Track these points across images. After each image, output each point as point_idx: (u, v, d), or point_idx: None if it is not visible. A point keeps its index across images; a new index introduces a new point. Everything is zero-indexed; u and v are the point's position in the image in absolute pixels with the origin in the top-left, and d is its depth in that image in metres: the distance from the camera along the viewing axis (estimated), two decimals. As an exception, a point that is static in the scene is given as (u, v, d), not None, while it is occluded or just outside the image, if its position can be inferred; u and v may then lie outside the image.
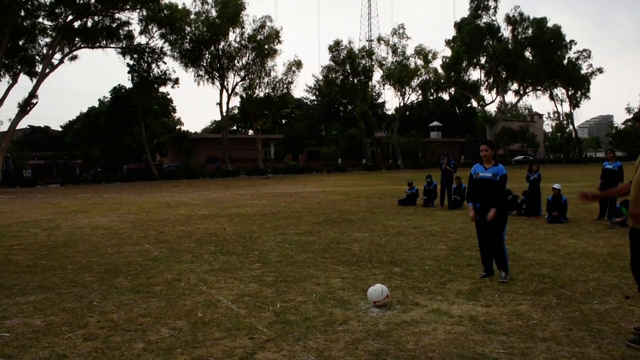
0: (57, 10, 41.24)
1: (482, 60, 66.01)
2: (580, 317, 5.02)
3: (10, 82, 41.41)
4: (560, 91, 74.40)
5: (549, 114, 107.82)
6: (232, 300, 5.88)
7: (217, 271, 7.47)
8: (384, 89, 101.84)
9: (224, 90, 52.98)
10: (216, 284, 6.66)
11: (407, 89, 64.21)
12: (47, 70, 42.24)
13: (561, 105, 79.71)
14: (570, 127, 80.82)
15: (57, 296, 6.25)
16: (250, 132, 69.96)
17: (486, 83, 68.15)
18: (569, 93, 73.69)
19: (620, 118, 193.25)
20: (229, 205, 19.11)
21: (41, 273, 7.64)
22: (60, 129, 66.21)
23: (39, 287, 6.71)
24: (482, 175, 6.62)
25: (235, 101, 72.71)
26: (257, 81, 54.15)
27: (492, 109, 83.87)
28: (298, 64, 55.43)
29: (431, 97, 71.00)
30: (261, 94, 55.02)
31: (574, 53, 69.62)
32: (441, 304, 5.53)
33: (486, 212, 6.46)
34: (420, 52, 63.08)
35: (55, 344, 4.59)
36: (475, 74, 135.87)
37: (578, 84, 70.64)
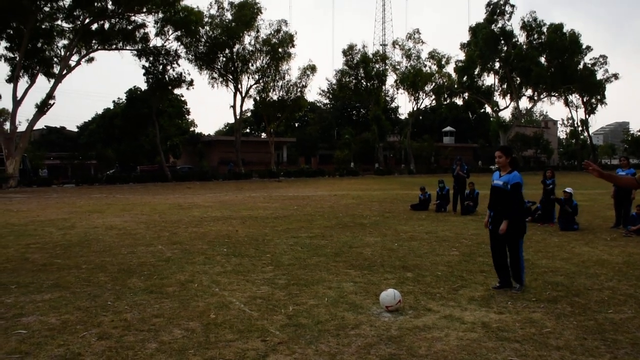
0: (74, 13, 41.80)
1: (496, 65, 65.71)
2: (595, 326, 4.97)
3: (29, 82, 41.96)
4: (575, 97, 73.90)
5: (563, 120, 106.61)
6: (245, 302, 5.91)
7: (230, 273, 7.50)
8: (397, 93, 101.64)
9: (238, 93, 53.21)
10: (228, 286, 6.69)
11: (420, 93, 64.06)
12: (65, 71, 42.75)
13: (576, 111, 78.89)
14: (585, 133, 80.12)
15: (71, 295, 6.32)
16: (263, 135, 70.16)
17: (500, 88, 67.87)
18: (584, 99, 73.09)
19: (636, 125, 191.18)
20: (242, 207, 19.18)
21: (56, 272, 7.72)
22: (76, 130, 66.89)
23: (54, 286, 6.78)
24: (494, 183, 6.42)
25: (249, 104, 73.00)
26: (271, 84, 54.30)
27: (506, 114, 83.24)
28: (312, 68, 55.55)
29: (444, 102, 70.72)
30: (275, 97, 55.17)
31: (590, 59, 69.17)
32: (453, 310, 5.50)
33: (499, 221, 6.25)
34: (434, 56, 62.93)
35: (70, 342, 4.64)
36: (489, 80, 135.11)
37: (593, 90, 70.01)
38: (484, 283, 6.67)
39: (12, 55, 40.84)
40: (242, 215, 16.25)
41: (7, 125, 41.85)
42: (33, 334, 4.86)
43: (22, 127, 42.40)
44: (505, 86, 66.89)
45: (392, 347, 4.43)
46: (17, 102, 40.25)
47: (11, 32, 40.12)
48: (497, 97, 68.85)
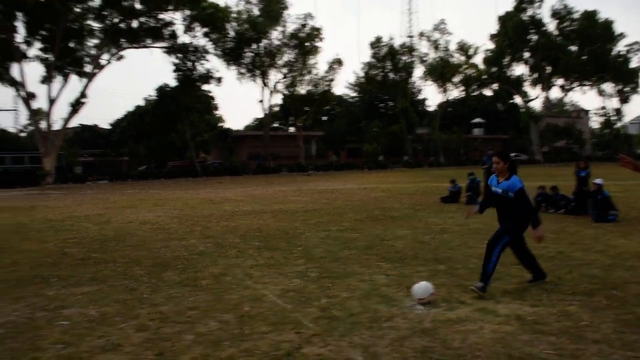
0: (104, 13, 42.60)
1: (526, 55, 64.48)
2: (634, 319, 4.87)
3: (62, 82, 42.98)
4: (608, 86, 72.05)
5: (596, 110, 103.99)
6: (278, 295, 5.97)
7: (262, 266, 7.59)
8: (425, 85, 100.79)
9: (266, 88, 53.49)
10: (261, 279, 6.77)
11: (448, 85, 63.38)
12: (96, 70, 43.67)
13: (609, 100, 76.81)
14: (619, 123, 78.07)
15: (109, 288, 6.49)
16: (292, 129, 70.35)
17: (530, 78, 66.60)
18: (618, 88, 71.21)
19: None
20: (272, 201, 19.32)
21: (94, 265, 7.93)
22: (108, 127, 68.12)
23: (93, 279, 6.97)
24: (493, 189, 6.18)
25: (277, 98, 73.18)
26: (298, 78, 54.45)
27: (536, 105, 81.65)
28: (339, 62, 55.49)
29: (473, 93, 69.75)
30: (302, 91, 55.31)
31: (624, 46, 67.31)
32: (487, 302, 5.46)
33: (503, 223, 6.09)
34: (462, 47, 62.14)
35: (109, 333, 4.77)
36: (518, 69, 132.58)
37: (627, 78, 68.13)
38: (517, 275, 6.59)
39: (46, 56, 41.84)
40: (273, 209, 16.37)
41: (43, 125, 42.96)
42: (74, 325, 5.02)
43: (57, 126, 43.47)
44: (535, 76, 65.65)
45: (426, 339, 4.43)
46: (51, 102, 41.31)
47: (45, 34, 41.08)
48: (527, 87, 67.70)
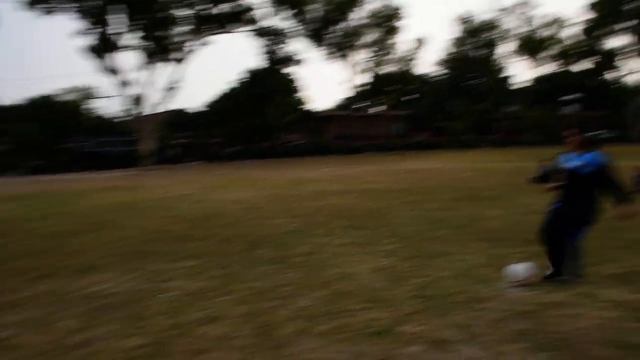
0: (192, 1, 44.21)
1: (627, 25, 59.69)
2: None
3: (157, 69, 45.30)
4: None
5: None
6: (368, 273, 5.95)
7: (351, 245, 7.58)
8: (514, 60, 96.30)
9: (351, 68, 53.35)
10: (350, 258, 6.76)
11: (539, 60, 60.12)
12: (187, 56, 45.52)
13: None
14: None
15: (205, 264, 6.74)
16: (378, 108, 69.83)
17: (631, 50, 61.67)
18: None
19: None
20: (359, 181, 19.30)
21: (191, 242, 8.28)
22: (199, 110, 70.73)
23: (190, 256, 7.27)
24: (568, 165, 5.30)
25: (363, 78, 72.78)
26: (383, 58, 53.83)
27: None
28: (423, 40, 54.28)
29: (567, 68, 65.74)
30: (387, 71, 54.65)
31: None
32: (588, 287, 5.12)
33: (568, 205, 5.28)
34: (554, 20, 58.60)
35: (208, 306, 4.97)
36: (617, 41, 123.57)
37: None
38: (620, 259, 6.16)
39: (140, 44, 44.19)
40: (360, 188, 16.34)
41: (139, 110, 45.42)
42: (176, 298, 5.28)
43: (152, 111, 45.85)
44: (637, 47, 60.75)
45: (525, 322, 4.24)
46: (148, 88, 43.64)
47: (139, 23, 43.27)
48: (629, 59, 62.76)
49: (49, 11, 41.11)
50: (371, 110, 73.61)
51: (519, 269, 5.30)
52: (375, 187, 16.53)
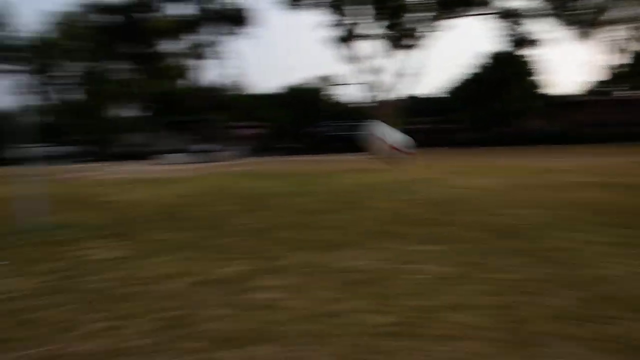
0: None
1: None
2: None
3: (396, 56, 46.71)
4: None
5: None
6: (632, 278, 5.26)
7: (609, 245, 6.70)
8: None
9: (603, 47, 47.80)
10: (610, 258, 6.00)
11: None
12: (425, 42, 46.07)
13: None
14: None
15: (450, 249, 6.71)
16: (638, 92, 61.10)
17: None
18: None
19: None
20: (615, 173, 17.16)
21: (435, 227, 8.33)
22: (438, 96, 70.53)
23: (434, 240, 7.29)
24: None
25: (619, 58, 64.26)
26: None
27: None
28: None
29: None
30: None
31: None
32: None
33: None
34: None
35: (455, 292, 4.96)
36: None
37: None
38: None
39: (385, 32, 45.93)
40: (617, 182, 14.49)
41: (379, 96, 47.57)
42: (419, 280, 5.39)
43: (392, 96, 47.74)
44: None
45: None
46: (387, 74, 45.59)
47: (386, 11, 45.04)
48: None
49: (303, 7, 45.40)
50: (631, 94, 64.75)
51: None
52: (634, 182, 14.51)
